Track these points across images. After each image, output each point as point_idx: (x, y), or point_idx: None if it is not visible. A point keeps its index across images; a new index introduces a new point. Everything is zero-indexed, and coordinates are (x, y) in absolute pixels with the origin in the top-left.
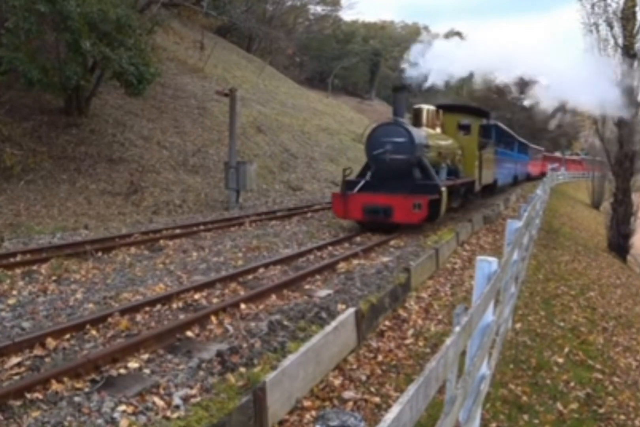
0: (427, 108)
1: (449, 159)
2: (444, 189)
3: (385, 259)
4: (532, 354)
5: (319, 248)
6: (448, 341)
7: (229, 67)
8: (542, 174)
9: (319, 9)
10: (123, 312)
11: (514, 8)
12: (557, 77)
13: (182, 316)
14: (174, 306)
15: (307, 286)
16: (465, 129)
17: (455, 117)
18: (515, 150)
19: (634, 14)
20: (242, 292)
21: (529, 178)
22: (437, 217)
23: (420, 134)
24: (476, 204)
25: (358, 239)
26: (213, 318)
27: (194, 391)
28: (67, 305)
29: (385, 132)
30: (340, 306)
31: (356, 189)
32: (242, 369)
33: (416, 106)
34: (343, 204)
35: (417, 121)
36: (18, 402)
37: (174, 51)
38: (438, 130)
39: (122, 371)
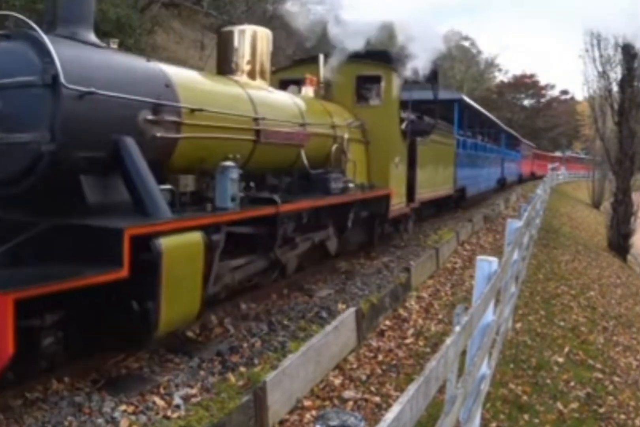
0: (252, 31)
1: (315, 156)
2: (192, 235)
3: (385, 258)
4: (532, 354)
5: None
6: (448, 340)
7: None
8: (532, 175)
9: (319, 8)
10: None
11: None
12: None
13: None
14: None
15: (307, 286)
16: (370, 97)
17: (354, 71)
18: (503, 144)
19: None
20: (242, 292)
21: (521, 180)
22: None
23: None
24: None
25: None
26: (213, 318)
27: (194, 391)
28: None
29: None
30: (340, 306)
31: None
32: (243, 369)
33: (227, 28)
34: None
35: (224, 63)
36: (18, 402)
37: (174, 51)
38: (309, 92)
39: (123, 370)
